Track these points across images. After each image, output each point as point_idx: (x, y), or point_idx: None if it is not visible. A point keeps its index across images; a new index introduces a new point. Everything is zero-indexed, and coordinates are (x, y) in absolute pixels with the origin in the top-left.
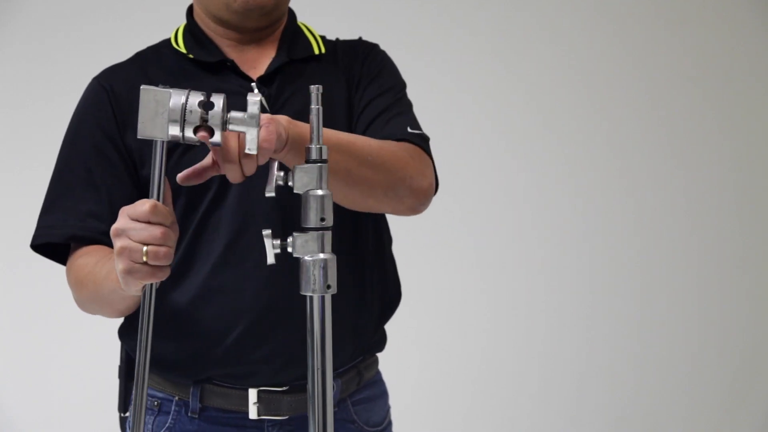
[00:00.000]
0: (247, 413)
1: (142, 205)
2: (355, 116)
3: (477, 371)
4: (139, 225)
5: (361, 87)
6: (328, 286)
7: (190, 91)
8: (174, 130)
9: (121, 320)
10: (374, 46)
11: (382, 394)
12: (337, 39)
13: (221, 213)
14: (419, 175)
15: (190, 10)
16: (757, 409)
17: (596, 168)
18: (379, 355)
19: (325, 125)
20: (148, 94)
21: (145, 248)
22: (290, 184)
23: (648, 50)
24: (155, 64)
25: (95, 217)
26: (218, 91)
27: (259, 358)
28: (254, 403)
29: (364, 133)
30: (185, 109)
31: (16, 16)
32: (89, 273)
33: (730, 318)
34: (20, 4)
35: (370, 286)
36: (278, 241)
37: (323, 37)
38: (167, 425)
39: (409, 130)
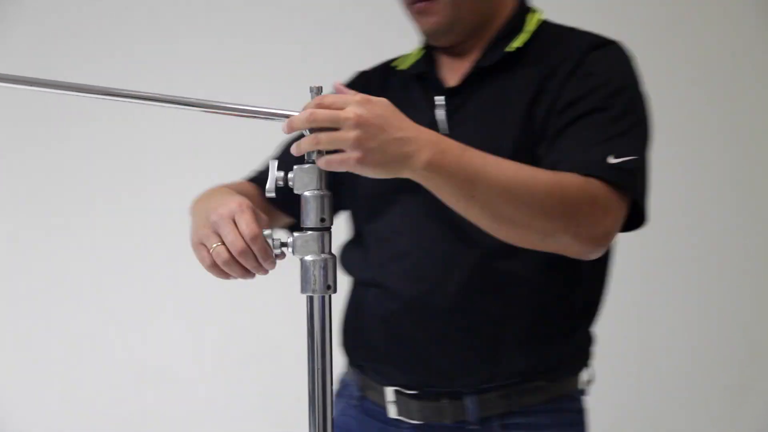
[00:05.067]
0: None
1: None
2: (548, 134)
3: None
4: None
5: (569, 96)
6: (329, 287)
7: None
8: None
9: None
10: (608, 51)
11: (561, 425)
12: (572, 29)
13: (393, 218)
14: (590, 224)
15: None
16: (757, 409)
17: None
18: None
19: (488, 141)
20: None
21: (215, 245)
22: (290, 184)
23: (648, 50)
24: (390, 76)
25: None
26: (410, 100)
27: (390, 357)
28: (391, 402)
29: (550, 158)
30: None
31: (17, 17)
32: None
33: (731, 318)
34: (20, 4)
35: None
36: (278, 241)
37: (545, 23)
38: (338, 408)
39: (610, 161)
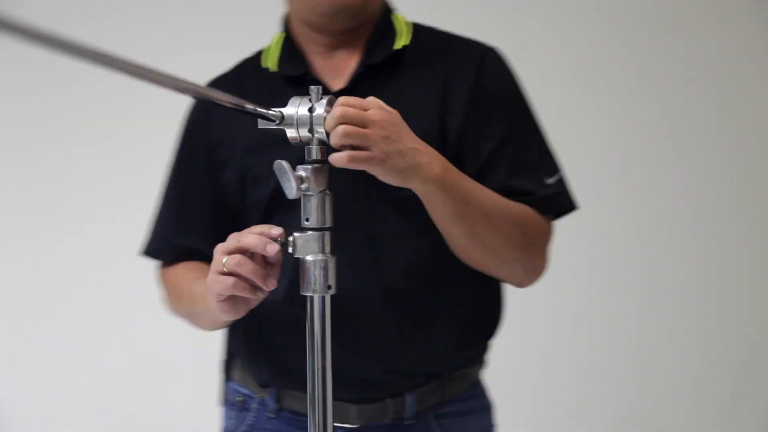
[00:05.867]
0: None
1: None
2: (470, 154)
3: None
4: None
5: (481, 118)
6: (329, 287)
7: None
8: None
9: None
10: (498, 61)
11: (482, 409)
12: (445, 32)
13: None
14: (540, 258)
15: (286, 18)
16: (757, 409)
17: (596, 168)
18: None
19: None
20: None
21: (225, 259)
22: (305, 186)
23: (648, 50)
24: (253, 78)
25: (192, 234)
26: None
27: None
28: None
29: (485, 179)
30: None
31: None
32: (187, 288)
33: (731, 318)
34: (20, 3)
35: (447, 305)
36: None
37: (417, 26)
38: (248, 422)
39: (546, 181)
